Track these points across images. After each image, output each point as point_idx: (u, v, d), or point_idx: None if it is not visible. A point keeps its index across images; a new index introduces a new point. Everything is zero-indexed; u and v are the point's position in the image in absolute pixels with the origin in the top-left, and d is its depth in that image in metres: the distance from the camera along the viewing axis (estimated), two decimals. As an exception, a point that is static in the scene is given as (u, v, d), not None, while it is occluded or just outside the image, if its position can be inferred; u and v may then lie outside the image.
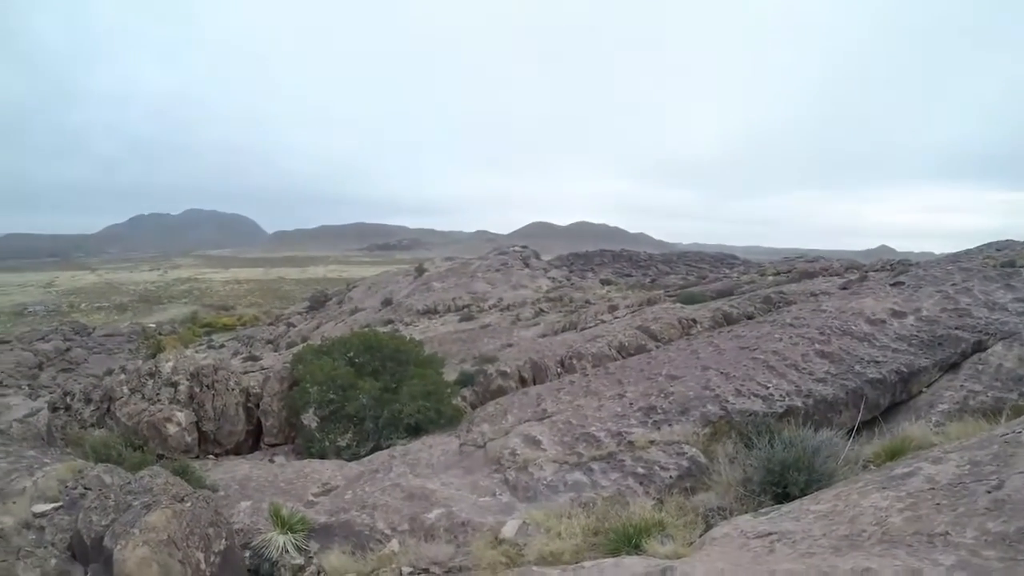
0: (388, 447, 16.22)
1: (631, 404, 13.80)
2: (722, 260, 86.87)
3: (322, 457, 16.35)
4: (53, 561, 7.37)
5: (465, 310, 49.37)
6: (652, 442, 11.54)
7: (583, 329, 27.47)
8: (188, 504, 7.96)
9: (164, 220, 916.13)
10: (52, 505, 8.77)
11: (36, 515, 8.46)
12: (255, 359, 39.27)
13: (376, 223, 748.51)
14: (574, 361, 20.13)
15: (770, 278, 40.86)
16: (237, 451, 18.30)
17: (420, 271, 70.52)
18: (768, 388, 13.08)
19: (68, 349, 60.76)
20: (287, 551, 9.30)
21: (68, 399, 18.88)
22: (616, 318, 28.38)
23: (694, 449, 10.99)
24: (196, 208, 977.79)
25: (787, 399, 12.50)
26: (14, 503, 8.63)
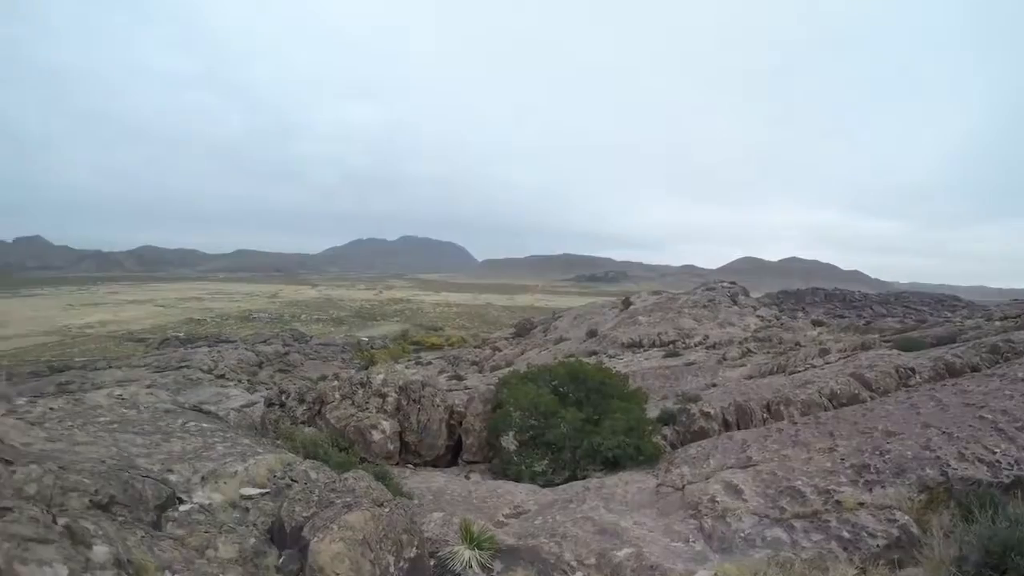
0: (583, 478, 15.95)
1: (842, 460, 12.70)
2: (942, 302, 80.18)
3: (517, 480, 16.29)
4: (252, 540, 7.62)
5: (670, 346, 48.37)
6: (861, 504, 10.49)
7: (792, 373, 25.99)
8: (387, 509, 8.04)
9: (381, 245, 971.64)
10: (259, 490, 9.14)
11: (243, 497, 8.86)
12: (460, 379, 40.21)
13: (583, 255, 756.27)
14: (781, 407, 18.98)
15: (997, 323, 37.07)
16: (435, 464, 18.66)
17: (626, 304, 70.01)
18: (995, 453, 11.51)
19: (286, 353, 65.04)
20: (471, 567, 9.18)
21: (283, 397, 20.06)
22: (827, 363, 26.66)
23: (907, 517, 9.84)
24: (411, 235, 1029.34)
25: (1016, 467, 10.97)
26: (225, 483, 9.09)
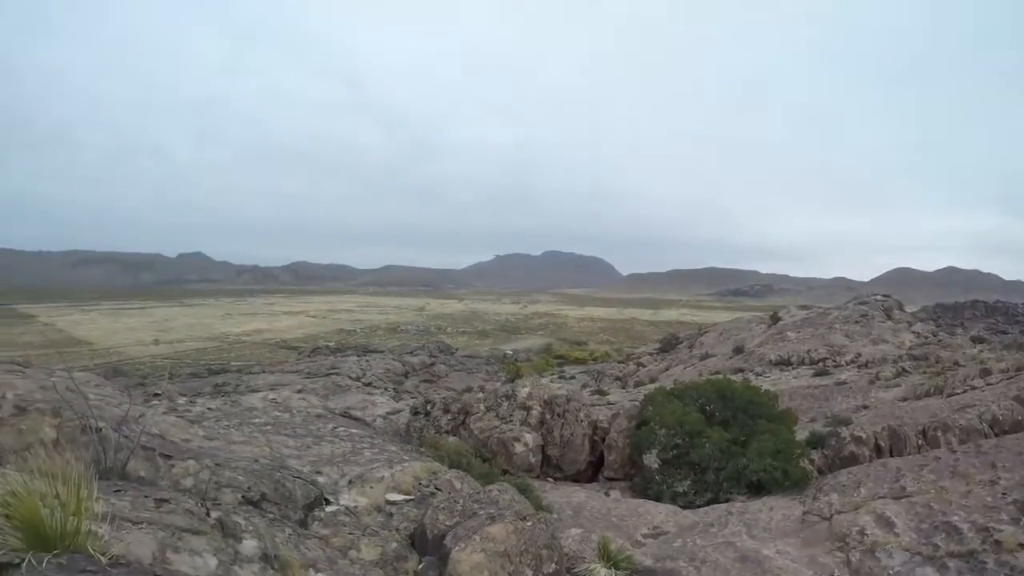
0: (726, 501, 15.45)
1: (1003, 494, 11.61)
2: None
3: (657, 499, 15.93)
4: (394, 544, 7.71)
5: (820, 364, 46.37)
6: (1022, 545, 9.62)
7: (950, 395, 24.37)
8: (529, 523, 7.97)
9: (526, 260, 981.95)
10: (404, 497, 9.25)
11: (388, 502, 9.00)
12: (603, 394, 39.99)
13: (727, 268, 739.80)
14: (938, 433, 17.76)
15: None
16: (576, 479, 18.51)
17: (774, 319, 67.70)
18: None
19: (432, 364, 66.44)
20: (607, 586, 9.01)
21: (428, 406, 20.41)
22: (989, 384, 24.84)
23: (1073, 562, 8.92)
24: (555, 250, 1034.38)
25: None
26: (371, 488, 9.26)
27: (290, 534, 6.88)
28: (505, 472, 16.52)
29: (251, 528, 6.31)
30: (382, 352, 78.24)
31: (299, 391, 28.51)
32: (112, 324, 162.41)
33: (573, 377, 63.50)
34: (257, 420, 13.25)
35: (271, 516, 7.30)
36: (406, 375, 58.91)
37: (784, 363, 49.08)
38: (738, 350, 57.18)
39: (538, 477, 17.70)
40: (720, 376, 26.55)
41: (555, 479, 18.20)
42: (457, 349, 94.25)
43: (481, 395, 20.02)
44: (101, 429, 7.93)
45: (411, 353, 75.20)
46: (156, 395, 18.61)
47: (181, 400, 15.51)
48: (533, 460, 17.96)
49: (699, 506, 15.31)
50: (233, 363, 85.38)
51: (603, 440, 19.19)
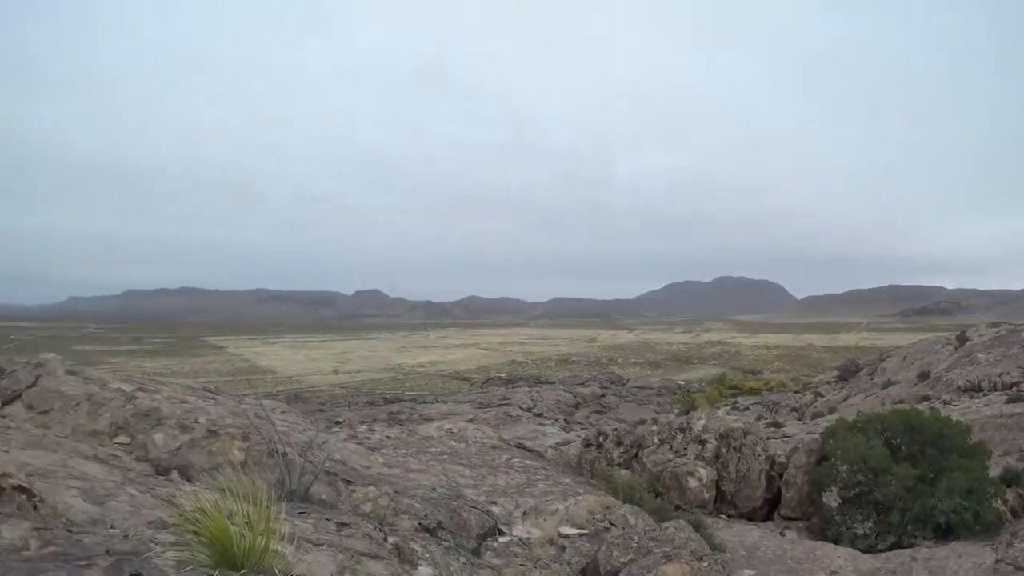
0: (910, 546, 14.53)
1: None
2: None
3: (835, 541, 15.18)
4: (565, 578, 7.77)
5: (1013, 389, 42.19)
6: None
7: None
8: (705, 564, 7.84)
9: (696, 287, 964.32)
10: (577, 531, 9.29)
11: (561, 535, 9.06)
12: (778, 426, 38.53)
13: (909, 285, 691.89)
14: None
15: None
16: (750, 517, 17.93)
17: (962, 340, 62.42)
18: None
19: (603, 395, 66.19)
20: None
21: (601, 438, 20.34)
22: None
23: None
24: (726, 275, 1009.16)
25: None
26: (544, 520, 9.36)
27: (464, 563, 7.04)
28: (678, 508, 16.20)
29: (427, 555, 6.51)
30: (553, 383, 78.69)
31: (471, 420, 29.06)
32: (294, 355, 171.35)
33: (747, 408, 61.66)
34: (433, 449, 13.66)
35: (446, 544, 7.50)
36: (577, 406, 58.94)
37: (974, 389, 45.19)
38: (923, 376, 53.25)
39: (711, 514, 17.25)
40: (908, 406, 24.99)
41: (728, 516, 17.71)
42: (628, 380, 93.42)
43: (655, 427, 19.77)
44: (287, 454, 8.42)
45: (582, 384, 75.23)
46: (337, 423, 19.52)
47: (361, 428, 16.22)
48: (707, 496, 17.54)
49: (880, 550, 14.51)
50: (407, 393, 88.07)
51: (780, 476, 18.53)
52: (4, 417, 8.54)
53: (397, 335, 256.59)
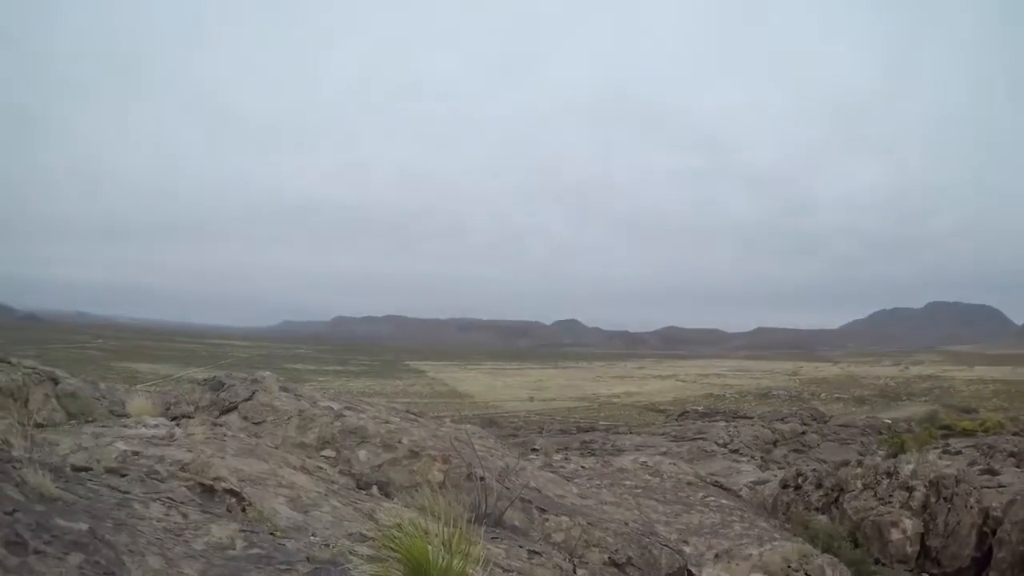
0: None
1: None
2: None
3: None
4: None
5: None
6: None
7: None
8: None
9: (905, 314, 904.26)
10: (774, 577, 8.87)
11: (757, 583, 8.66)
12: (993, 473, 35.38)
13: None
14: None
15: None
16: (955, 576, 16.40)
17: None
18: None
19: (803, 433, 63.31)
20: None
21: (799, 479, 19.39)
22: None
23: None
24: (938, 300, 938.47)
25: None
26: (736, 565, 9.00)
27: (652, 603, 6.87)
28: (877, 561, 15.10)
29: (616, 591, 6.40)
30: (751, 418, 76.10)
31: (664, 453, 28.59)
32: (491, 381, 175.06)
33: (959, 452, 57.06)
34: (628, 482, 13.49)
35: (635, 582, 7.35)
36: (775, 443, 56.66)
37: None
38: None
39: (912, 571, 15.90)
40: None
41: (931, 575, 16.26)
42: (830, 417, 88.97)
43: (859, 471, 18.63)
44: (484, 478, 8.55)
45: (781, 420, 72.29)
46: (534, 450, 19.71)
47: (557, 456, 16.28)
48: (910, 550, 16.22)
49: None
50: (601, 422, 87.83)
51: (993, 532, 16.84)
52: (221, 425, 9.15)
53: (593, 365, 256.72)
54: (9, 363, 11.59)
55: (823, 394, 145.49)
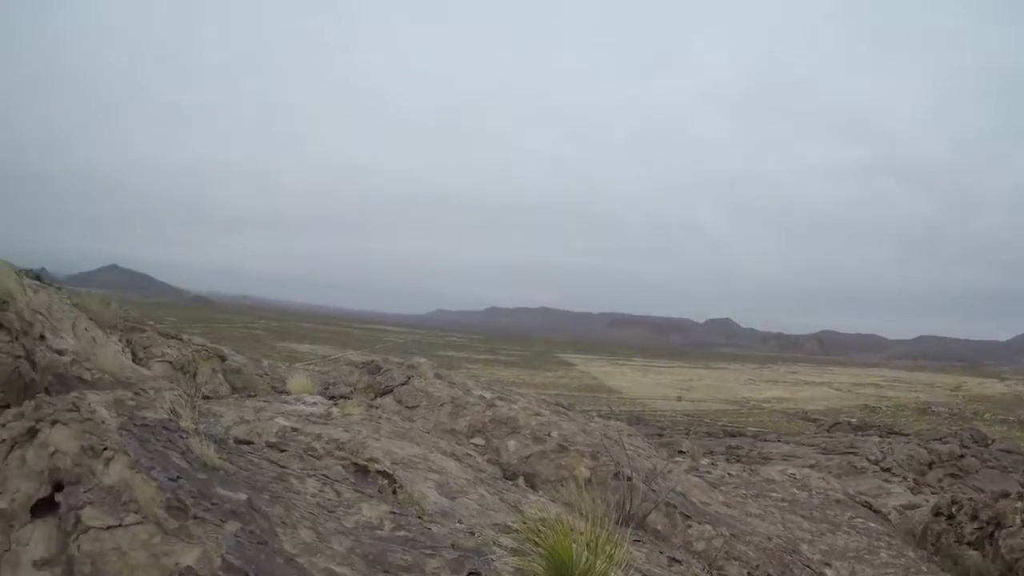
0: None
1: None
2: None
3: None
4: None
5: None
6: None
7: None
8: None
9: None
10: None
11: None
12: None
13: None
14: None
15: None
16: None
17: None
18: None
19: (962, 456, 59.42)
20: None
21: (953, 508, 18.08)
22: None
23: None
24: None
25: None
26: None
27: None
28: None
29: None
30: (907, 435, 72.12)
31: (812, 466, 27.44)
32: (640, 378, 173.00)
33: None
34: (774, 495, 12.98)
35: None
36: (930, 465, 53.42)
37: None
38: None
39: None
40: None
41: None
42: (993, 440, 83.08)
43: (1019, 504, 17.17)
44: (631, 478, 8.38)
45: (940, 440, 67.98)
46: (680, 452, 19.30)
47: (704, 461, 15.86)
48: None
49: None
50: (749, 428, 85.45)
51: None
52: (376, 407, 9.36)
53: (746, 366, 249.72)
54: (180, 339, 12.41)
55: (987, 414, 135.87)
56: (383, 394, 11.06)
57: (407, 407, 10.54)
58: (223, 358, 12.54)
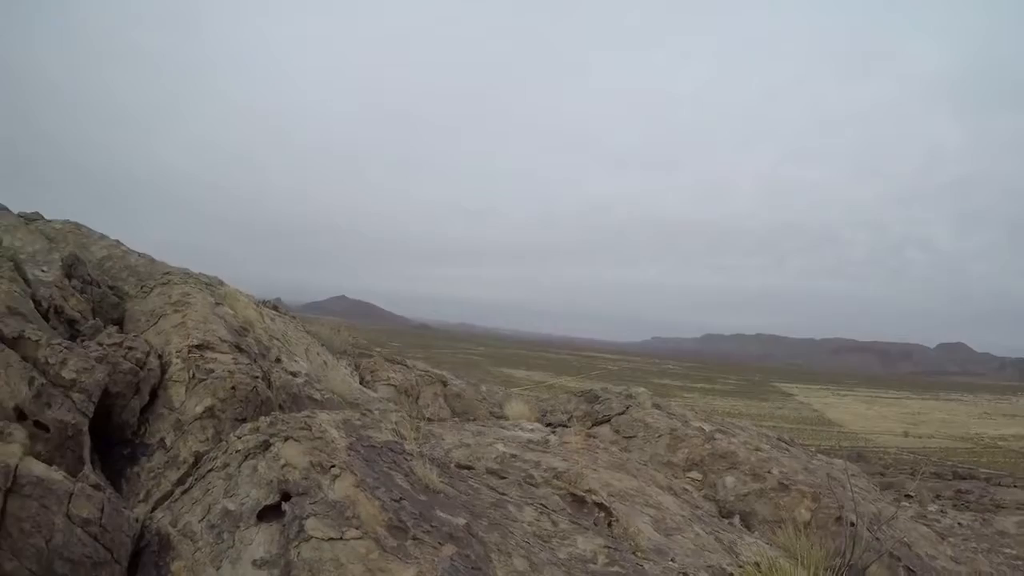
0: None
1: None
2: None
3: None
4: None
5: None
6: None
7: None
8: None
9: None
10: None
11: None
12: None
13: None
14: None
15: None
16: None
17: None
18: None
19: None
20: None
21: None
22: None
23: None
24: None
25: None
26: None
27: None
28: None
29: None
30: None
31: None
32: (864, 410, 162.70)
33: None
34: (1008, 551, 11.61)
35: None
36: None
37: None
38: None
39: None
40: None
41: None
42: None
43: None
44: (855, 524, 7.73)
45: None
46: (907, 496, 17.76)
47: (932, 508, 14.53)
48: None
49: None
50: (981, 469, 78.13)
51: None
52: (594, 437, 9.21)
53: (980, 397, 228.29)
54: (404, 364, 12.95)
55: None
56: (600, 423, 10.91)
57: (624, 437, 10.33)
58: (444, 383, 12.96)
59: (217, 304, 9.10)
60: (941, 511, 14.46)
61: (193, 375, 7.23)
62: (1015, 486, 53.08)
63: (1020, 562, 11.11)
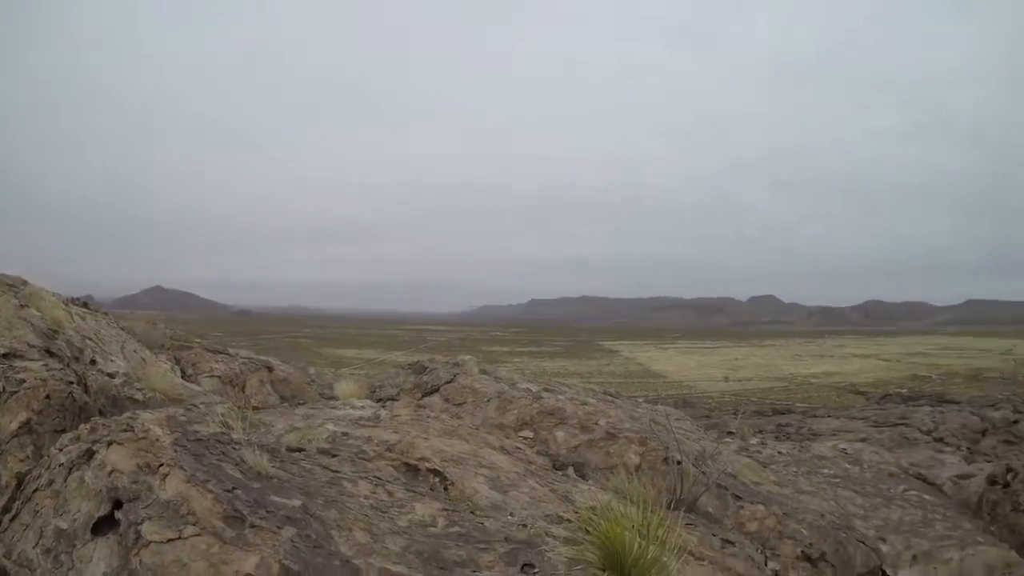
0: None
1: None
2: None
3: None
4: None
5: None
6: None
7: None
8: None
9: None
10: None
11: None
12: None
13: None
14: None
15: None
16: None
17: None
18: None
19: (1015, 422, 58.05)
20: None
21: (1008, 476, 17.65)
22: None
23: None
24: None
25: None
26: (934, 569, 8.31)
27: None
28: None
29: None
30: (959, 403, 70.59)
31: (863, 439, 26.89)
32: (685, 360, 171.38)
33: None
34: (825, 471, 12.75)
35: (825, 578, 6.94)
36: (983, 433, 52.22)
37: None
38: None
39: None
40: None
41: None
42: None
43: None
44: (681, 462, 8.31)
45: (992, 406, 66.46)
46: (730, 433, 19.05)
47: (753, 441, 15.66)
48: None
49: None
50: (798, 404, 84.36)
51: None
52: (424, 407, 9.40)
53: (791, 342, 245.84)
54: (227, 354, 12.64)
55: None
56: (430, 393, 11.12)
57: (454, 404, 10.59)
58: (270, 369, 12.73)
59: (22, 306, 8.44)
60: (762, 443, 15.60)
61: (3, 388, 6.65)
62: (829, 416, 57.64)
63: (838, 479, 12.24)
